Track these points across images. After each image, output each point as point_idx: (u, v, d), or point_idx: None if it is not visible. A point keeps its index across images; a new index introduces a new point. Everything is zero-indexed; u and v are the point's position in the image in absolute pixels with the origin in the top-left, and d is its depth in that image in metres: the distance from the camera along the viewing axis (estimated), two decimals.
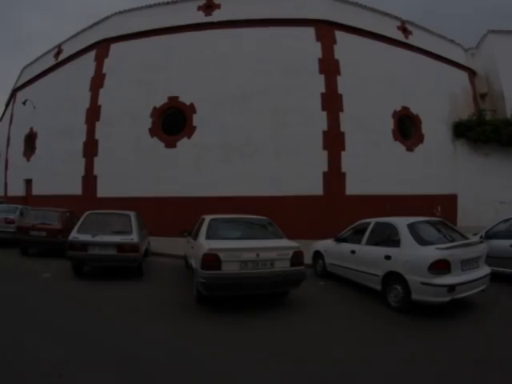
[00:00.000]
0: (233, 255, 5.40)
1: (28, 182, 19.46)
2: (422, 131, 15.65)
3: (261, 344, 4.27)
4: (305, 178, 13.26)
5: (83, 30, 17.56)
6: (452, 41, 17.89)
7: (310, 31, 14.18)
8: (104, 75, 15.70)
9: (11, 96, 24.03)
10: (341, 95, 13.95)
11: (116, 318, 5.10)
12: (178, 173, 13.90)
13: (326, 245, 8.14)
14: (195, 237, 6.87)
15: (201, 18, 14.77)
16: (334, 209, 13.13)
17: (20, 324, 4.71)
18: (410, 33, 16.13)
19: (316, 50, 14.04)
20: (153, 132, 14.54)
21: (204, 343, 4.25)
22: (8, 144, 22.36)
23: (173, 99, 14.46)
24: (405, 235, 5.77)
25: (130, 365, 3.63)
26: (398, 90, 15.23)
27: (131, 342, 4.23)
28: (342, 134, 13.73)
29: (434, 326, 4.91)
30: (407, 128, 15.78)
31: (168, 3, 15.37)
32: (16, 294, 6.22)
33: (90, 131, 15.54)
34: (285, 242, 6.19)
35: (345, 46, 14.37)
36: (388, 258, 5.81)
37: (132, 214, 8.52)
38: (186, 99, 14.30)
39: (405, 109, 15.34)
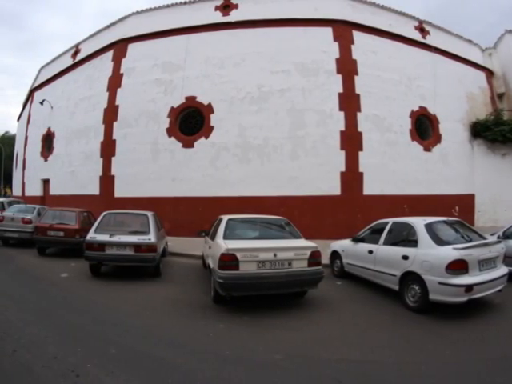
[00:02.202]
0: (250, 255, 5.42)
1: (45, 182, 19.75)
2: (440, 131, 15.50)
3: (279, 344, 4.29)
4: (322, 178, 13.26)
5: (101, 30, 17.73)
6: (470, 41, 17.70)
7: (327, 31, 14.15)
8: (121, 75, 15.81)
9: (29, 96, 24.43)
10: (358, 95, 13.88)
11: (133, 318, 5.15)
12: (195, 173, 14.00)
13: (343, 245, 8.15)
14: (213, 237, 6.90)
15: (218, 18, 14.79)
16: (352, 209, 13.10)
17: (38, 323, 4.75)
18: (428, 33, 15.98)
19: (333, 49, 14.00)
20: (170, 132, 14.61)
21: (222, 343, 4.28)
22: (26, 144, 22.75)
23: (190, 99, 14.52)
24: (422, 235, 5.79)
25: (147, 365, 3.66)
26: (415, 90, 15.15)
27: (148, 343, 4.26)
28: (360, 134, 13.66)
29: (453, 325, 4.93)
30: (425, 128, 15.66)
31: (185, 3, 15.41)
32: (34, 294, 6.29)
33: (108, 131, 15.66)
34: (302, 242, 6.23)
35: (362, 45, 14.31)
36: (405, 258, 5.82)
37: (149, 214, 8.55)
38: (203, 99, 14.36)
39: (422, 109, 15.20)
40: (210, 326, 4.87)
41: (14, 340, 4.11)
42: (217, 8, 14.96)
